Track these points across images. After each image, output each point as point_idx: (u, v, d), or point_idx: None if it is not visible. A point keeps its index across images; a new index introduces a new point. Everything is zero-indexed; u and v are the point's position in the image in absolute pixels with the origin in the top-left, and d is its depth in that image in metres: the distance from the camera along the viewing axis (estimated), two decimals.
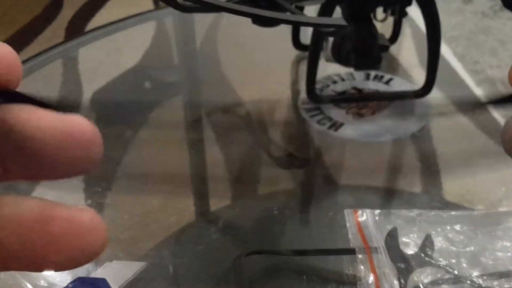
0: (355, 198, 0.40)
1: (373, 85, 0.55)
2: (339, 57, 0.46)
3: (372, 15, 0.44)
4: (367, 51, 0.42)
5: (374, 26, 0.43)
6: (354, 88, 0.54)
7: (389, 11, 0.47)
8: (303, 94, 0.54)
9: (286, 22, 0.24)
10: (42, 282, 0.34)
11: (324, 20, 0.22)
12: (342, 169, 0.44)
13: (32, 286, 0.34)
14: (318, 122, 0.49)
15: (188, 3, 0.33)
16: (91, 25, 1.22)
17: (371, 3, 0.43)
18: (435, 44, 0.46)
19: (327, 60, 0.51)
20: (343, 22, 0.22)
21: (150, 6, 1.33)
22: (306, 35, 0.56)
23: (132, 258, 0.36)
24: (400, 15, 0.49)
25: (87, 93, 0.58)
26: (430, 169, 0.44)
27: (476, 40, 0.67)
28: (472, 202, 0.40)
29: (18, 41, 1.14)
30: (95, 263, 0.35)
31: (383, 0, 0.44)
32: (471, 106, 0.52)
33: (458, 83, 0.58)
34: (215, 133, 0.50)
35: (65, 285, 0.31)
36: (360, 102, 0.51)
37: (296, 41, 0.57)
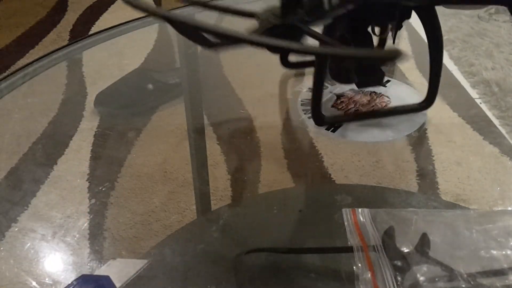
0: (353, 197, 0.40)
1: (371, 87, 0.56)
2: (338, 76, 0.44)
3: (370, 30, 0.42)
4: (370, 69, 0.40)
5: (373, 42, 0.41)
6: (352, 90, 0.54)
7: (389, 26, 0.45)
8: (302, 96, 0.54)
9: (330, 55, 0.22)
10: (47, 280, 0.35)
11: (378, 53, 0.19)
12: (340, 169, 0.45)
13: (36, 283, 0.35)
14: None
15: (215, 40, 0.32)
16: (95, 28, 1.23)
17: (370, 20, 0.41)
18: (437, 56, 0.45)
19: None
20: (399, 53, 0.18)
21: None
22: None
23: (135, 256, 0.36)
24: (397, 28, 0.48)
25: (91, 95, 0.59)
26: (427, 169, 0.44)
27: (471, 42, 0.67)
28: (468, 201, 0.40)
29: (24, 44, 1.15)
30: (98, 261, 0.36)
31: (383, 17, 0.41)
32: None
33: (454, 84, 0.59)
34: (216, 134, 0.51)
35: (69, 282, 0.31)
36: (367, 119, 0.49)
37: (284, 60, 0.53)
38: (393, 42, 0.49)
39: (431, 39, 0.45)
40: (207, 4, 0.37)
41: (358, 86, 0.45)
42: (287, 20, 0.29)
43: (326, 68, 0.43)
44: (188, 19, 0.22)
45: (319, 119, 0.46)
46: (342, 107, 0.52)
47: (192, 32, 0.33)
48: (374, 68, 0.41)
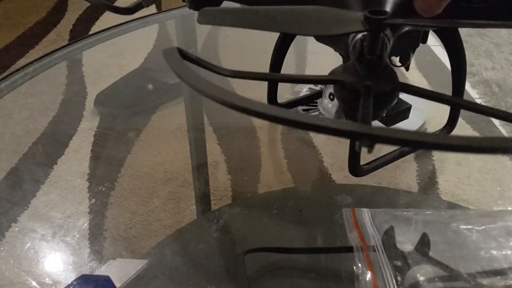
0: (353, 197, 0.40)
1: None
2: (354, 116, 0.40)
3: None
4: (396, 103, 0.36)
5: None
6: None
7: (412, 54, 0.40)
8: (302, 95, 0.54)
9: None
10: (47, 280, 0.35)
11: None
12: (340, 169, 0.45)
13: (36, 283, 0.35)
14: None
15: None
16: (95, 28, 1.23)
17: (395, 50, 0.35)
18: (459, 84, 0.42)
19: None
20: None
21: (153, 9, 1.33)
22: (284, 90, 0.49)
23: (134, 256, 0.36)
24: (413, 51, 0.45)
25: (91, 95, 0.59)
26: (427, 169, 0.44)
27: (471, 42, 0.67)
28: (468, 201, 0.40)
29: (23, 44, 1.15)
30: (98, 261, 0.36)
31: (406, 46, 0.36)
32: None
33: None
34: (216, 134, 0.51)
35: (69, 282, 0.31)
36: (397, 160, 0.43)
37: (272, 98, 0.46)
38: (407, 70, 0.47)
39: (455, 65, 0.41)
40: (282, 77, 0.32)
41: (387, 125, 0.39)
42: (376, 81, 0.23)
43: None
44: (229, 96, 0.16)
45: (356, 171, 0.41)
46: None
47: None
48: (398, 102, 0.37)
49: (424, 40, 0.39)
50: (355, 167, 0.42)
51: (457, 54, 0.40)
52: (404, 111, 0.37)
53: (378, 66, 0.23)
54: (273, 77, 0.27)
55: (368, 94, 0.22)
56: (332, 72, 0.25)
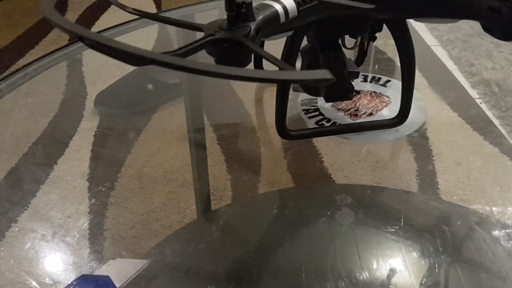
0: (353, 197, 0.40)
1: (370, 87, 0.56)
2: (307, 88, 0.42)
3: (340, 42, 0.40)
4: (337, 82, 0.37)
5: (343, 54, 0.39)
6: None
7: (359, 38, 0.44)
8: (302, 95, 0.55)
9: (267, 80, 0.20)
10: (47, 280, 0.35)
11: (308, 75, 0.19)
12: (340, 169, 0.45)
13: (36, 283, 0.35)
14: (317, 123, 0.50)
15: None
16: (95, 28, 1.23)
17: (339, 31, 0.39)
18: (409, 72, 0.44)
19: (295, 90, 0.49)
20: (328, 75, 0.18)
21: (153, 9, 1.33)
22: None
23: (135, 256, 0.36)
24: (369, 40, 0.46)
25: (91, 95, 0.59)
26: (427, 169, 0.44)
27: (471, 42, 0.67)
28: (468, 201, 0.40)
29: (23, 44, 1.15)
30: (98, 261, 0.36)
31: (352, 28, 0.39)
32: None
33: (454, 84, 0.59)
34: (216, 134, 0.51)
35: (69, 282, 0.31)
36: (335, 135, 0.48)
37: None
38: (365, 54, 0.48)
39: (403, 54, 0.43)
40: (156, 16, 0.36)
41: (325, 100, 0.42)
42: (233, 34, 0.27)
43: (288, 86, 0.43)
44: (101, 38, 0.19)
45: (284, 133, 0.45)
46: (342, 107, 0.52)
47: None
48: (341, 83, 0.39)
49: (379, 28, 0.42)
50: (282, 129, 0.44)
51: (405, 44, 0.43)
52: (345, 92, 0.41)
53: (232, 22, 0.27)
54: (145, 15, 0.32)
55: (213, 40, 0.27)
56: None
